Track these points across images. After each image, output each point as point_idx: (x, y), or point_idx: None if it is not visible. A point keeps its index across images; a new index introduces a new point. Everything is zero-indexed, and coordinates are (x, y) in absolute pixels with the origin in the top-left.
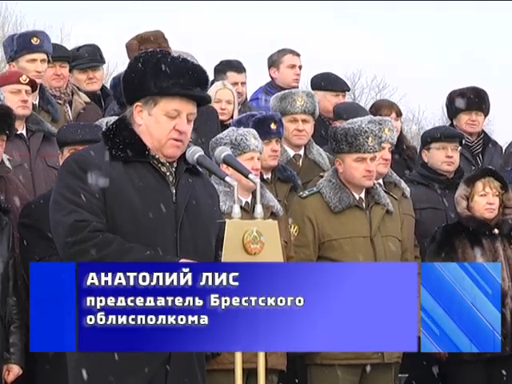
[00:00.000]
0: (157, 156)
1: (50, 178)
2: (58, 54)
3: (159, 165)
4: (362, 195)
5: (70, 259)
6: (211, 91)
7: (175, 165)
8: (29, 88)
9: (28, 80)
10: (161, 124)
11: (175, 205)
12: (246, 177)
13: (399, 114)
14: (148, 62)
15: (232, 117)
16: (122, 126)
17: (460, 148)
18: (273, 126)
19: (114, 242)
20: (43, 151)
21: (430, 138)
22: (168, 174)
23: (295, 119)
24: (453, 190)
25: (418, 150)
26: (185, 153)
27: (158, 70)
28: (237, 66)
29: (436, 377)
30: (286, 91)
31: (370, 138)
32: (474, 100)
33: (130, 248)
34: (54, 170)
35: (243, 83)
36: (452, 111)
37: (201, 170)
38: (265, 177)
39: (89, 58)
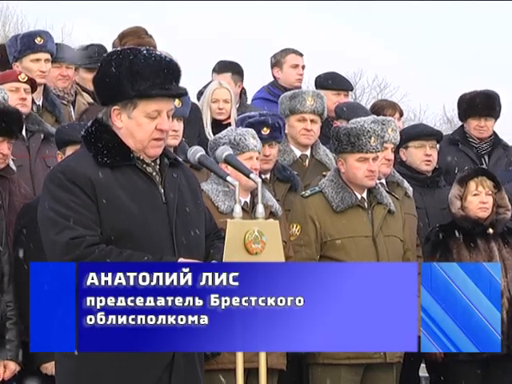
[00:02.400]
0: (141, 157)
1: None
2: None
3: (144, 165)
4: (364, 195)
5: None
6: (208, 91)
7: (158, 161)
8: (28, 87)
9: (27, 79)
10: (143, 126)
11: (165, 205)
12: (248, 176)
13: (401, 114)
14: (121, 64)
15: (230, 116)
16: (102, 129)
17: (438, 145)
18: (264, 131)
19: (112, 254)
20: (43, 152)
21: (408, 136)
22: (154, 173)
23: (304, 118)
24: (431, 189)
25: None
26: (165, 147)
27: (133, 72)
28: (236, 66)
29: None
30: (297, 90)
31: (373, 138)
32: (484, 106)
33: (128, 256)
34: None
35: (242, 83)
36: (462, 115)
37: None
38: (263, 177)
39: (96, 57)
